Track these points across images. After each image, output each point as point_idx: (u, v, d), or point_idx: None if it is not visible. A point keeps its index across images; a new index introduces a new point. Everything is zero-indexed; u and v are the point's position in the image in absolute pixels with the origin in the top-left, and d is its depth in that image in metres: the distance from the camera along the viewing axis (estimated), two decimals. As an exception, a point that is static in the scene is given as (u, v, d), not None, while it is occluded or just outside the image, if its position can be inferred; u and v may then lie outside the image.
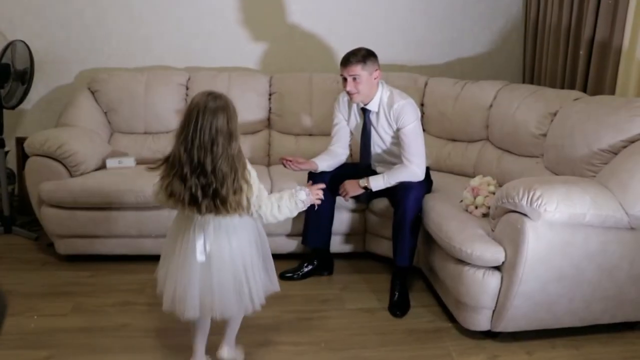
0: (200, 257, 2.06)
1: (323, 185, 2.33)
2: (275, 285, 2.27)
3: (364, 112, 3.08)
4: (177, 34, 4.11)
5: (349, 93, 2.98)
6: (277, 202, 2.15)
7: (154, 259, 3.26)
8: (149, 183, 3.19)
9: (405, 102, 2.98)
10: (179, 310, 2.11)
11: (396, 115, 2.97)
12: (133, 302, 2.94)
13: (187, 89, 3.91)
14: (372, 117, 3.07)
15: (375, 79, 2.97)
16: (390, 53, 4.24)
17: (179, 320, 2.41)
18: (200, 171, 1.95)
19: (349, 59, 2.91)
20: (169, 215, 3.25)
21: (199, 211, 2.00)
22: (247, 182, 2.02)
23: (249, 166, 2.07)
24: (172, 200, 2.03)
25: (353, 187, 3.01)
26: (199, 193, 1.96)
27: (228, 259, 2.09)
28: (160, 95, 3.84)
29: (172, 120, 3.87)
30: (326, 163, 3.13)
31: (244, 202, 2.02)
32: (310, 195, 2.22)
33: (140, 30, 4.08)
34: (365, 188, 2.99)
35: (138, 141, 3.86)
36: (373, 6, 4.21)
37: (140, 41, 4.10)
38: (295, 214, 2.22)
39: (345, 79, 2.95)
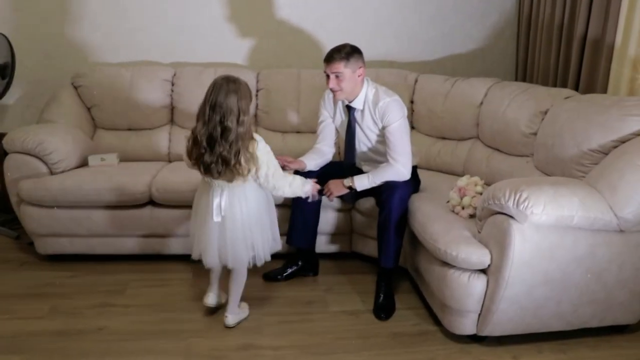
0: (216, 218, 2.46)
1: (318, 187, 2.76)
2: (278, 244, 2.71)
3: (349, 109, 3.01)
4: (163, 29, 4.03)
5: (332, 90, 2.91)
6: (291, 182, 2.59)
7: (136, 258, 3.30)
8: (131, 181, 3.19)
9: (391, 100, 2.91)
10: (203, 259, 2.57)
11: (381, 113, 2.90)
12: (112, 303, 2.87)
13: (173, 84, 3.83)
14: (357, 115, 3.00)
15: (359, 76, 2.89)
16: (380, 49, 4.18)
17: (158, 322, 2.71)
18: (213, 142, 2.32)
19: (332, 56, 2.84)
20: (150, 214, 3.23)
21: (212, 176, 2.40)
22: (252, 155, 2.38)
23: (262, 144, 2.43)
24: (195, 166, 2.44)
25: (337, 187, 2.94)
26: (211, 161, 2.34)
27: (239, 220, 2.48)
28: (145, 91, 3.76)
29: (157, 117, 3.80)
30: (314, 162, 3.06)
31: (245, 172, 2.38)
32: (312, 190, 2.69)
33: (125, 24, 3.99)
34: (350, 188, 2.93)
35: (122, 138, 3.79)
36: (363, 0, 4.13)
37: (125, 36, 4.01)
38: (296, 195, 2.66)
39: (328, 76, 2.87)
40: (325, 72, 2.89)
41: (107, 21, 3.98)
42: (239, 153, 2.33)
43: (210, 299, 2.74)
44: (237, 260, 2.55)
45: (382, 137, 2.96)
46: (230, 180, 2.41)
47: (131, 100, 3.74)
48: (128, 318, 2.74)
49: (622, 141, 2.51)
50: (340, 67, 2.82)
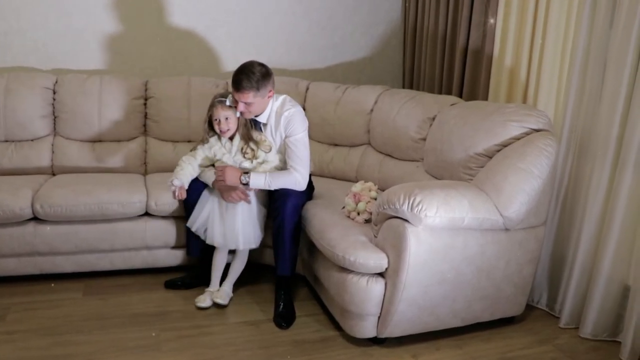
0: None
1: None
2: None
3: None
4: (42, 33, 3.78)
5: (241, 113, 2.86)
6: None
7: (17, 280, 3.07)
8: (10, 197, 2.96)
9: (296, 110, 2.93)
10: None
11: (286, 123, 2.90)
12: (-9, 331, 2.65)
13: (55, 92, 3.60)
14: (262, 128, 2.99)
15: (268, 97, 2.88)
16: (271, 57, 4.17)
17: (47, 347, 2.46)
18: None
19: (241, 85, 2.75)
20: (34, 232, 3.02)
21: None
22: None
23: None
24: None
25: (233, 176, 2.82)
26: None
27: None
28: (22, 99, 3.49)
29: (38, 127, 3.55)
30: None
31: None
32: None
33: (-1, 27, 3.72)
34: (246, 184, 2.84)
35: (-2, 151, 3.52)
36: (254, 7, 4.11)
37: (-1, 40, 3.74)
38: None
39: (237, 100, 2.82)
40: (233, 96, 2.83)
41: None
42: None
43: (205, 301, 2.93)
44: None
45: (282, 148, 2.96)
46: None
47: (7, 110, 3.46)
48: (13, 345, 2.52)
49: (505, 145, 2.67)
50: (250, 97, 2.76)
